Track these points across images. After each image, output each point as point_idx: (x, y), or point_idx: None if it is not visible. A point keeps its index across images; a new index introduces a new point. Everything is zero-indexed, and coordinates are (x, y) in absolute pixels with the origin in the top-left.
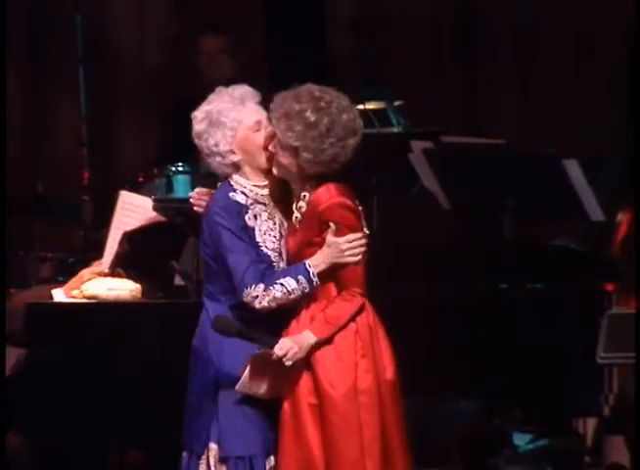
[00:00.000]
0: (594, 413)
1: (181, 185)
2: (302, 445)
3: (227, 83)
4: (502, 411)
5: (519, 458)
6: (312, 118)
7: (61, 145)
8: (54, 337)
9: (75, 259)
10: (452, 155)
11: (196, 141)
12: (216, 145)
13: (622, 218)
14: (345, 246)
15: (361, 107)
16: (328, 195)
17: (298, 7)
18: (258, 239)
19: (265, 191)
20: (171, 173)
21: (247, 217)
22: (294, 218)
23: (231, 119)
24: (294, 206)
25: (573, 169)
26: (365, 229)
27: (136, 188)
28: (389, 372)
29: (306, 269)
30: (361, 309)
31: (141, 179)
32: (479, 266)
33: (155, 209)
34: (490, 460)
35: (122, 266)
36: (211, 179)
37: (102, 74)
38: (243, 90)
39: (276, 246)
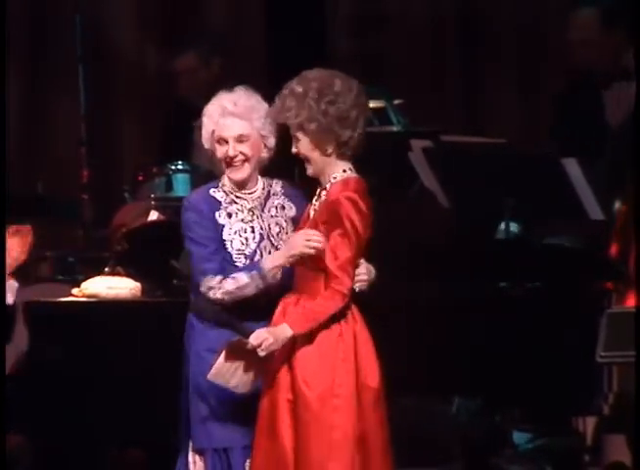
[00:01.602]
0: (594, 412)
1: (181, 184)
2: (275, 439)
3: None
4: (502, 410)
5: (518, 457)
6: (299, 89)
7: (60, 144)
8: (53, 335)
9: (75, 258)
10: (452, 154)
11: None
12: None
13: (619, 211)
14: (303, 238)
15: None
16: (343, 188)
17: (299, 6)
18: (225, 237)
19: (250, 196)
20: (171, 172)
21: (217, 214)
22: (312, 211)
23: (206, 123)
24: (314, 199)
25: (572, 168)
26: (366, 232)
27: (136, 187)
28: (373, 380)
29: (260, 266)
30: (345, 313)
31: (140, 178)
32: (477, 266)
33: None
34: (490, 460)
35: (122, 265)
36: (211, 178)
37: (101, 74)
38: (240, 106)
39: (243, 248)
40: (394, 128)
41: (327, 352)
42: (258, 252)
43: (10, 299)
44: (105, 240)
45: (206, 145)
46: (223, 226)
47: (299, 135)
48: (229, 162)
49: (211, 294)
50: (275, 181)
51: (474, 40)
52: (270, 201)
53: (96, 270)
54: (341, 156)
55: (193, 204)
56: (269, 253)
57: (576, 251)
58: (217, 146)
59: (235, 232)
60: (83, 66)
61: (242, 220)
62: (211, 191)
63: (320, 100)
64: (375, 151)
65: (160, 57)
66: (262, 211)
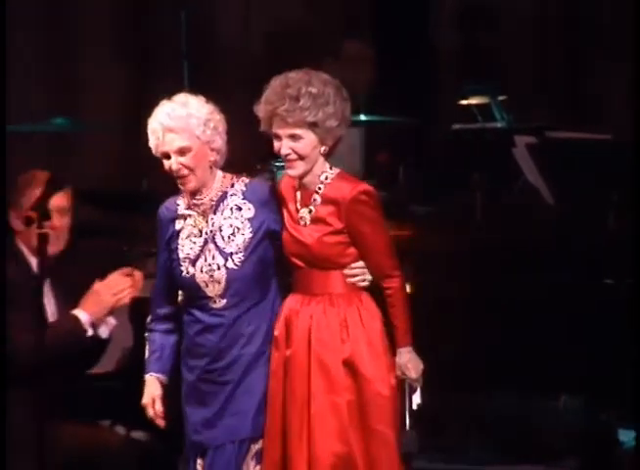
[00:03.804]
0: None
1: None
2: (345, 444)
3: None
4: (608, 408)
5: (624, 455)
6: (314, 89)
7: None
8: None
9: None
10: (556, 150)
11: None
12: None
13: None
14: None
15: (465, 102)
16: (352, 183)
17: (405, 1)
18: (180, 241)
19: (203, 201)
20: (275, 169)
21: (177, 220)
22: (303, 215)
23: (150, 138)
24: (297, 204)
25: None
26: None
27: None
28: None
29: (151, 371)
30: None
31: (244, 175)
32: (582, 262)
33: None
34: (597, 457)
35: None
36: None
37: (206, 70)
38: (175, 119)
39: (190, 253)
40: (498, 124)
41: (376, 342)
42: (202, 256)
43: (105, 333)
44: None
45: (156, 155)
46: (180, 231)
47: (303, 133)
48: (175, 175)
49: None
50: (240, 180)
51: (579, 36)
52: (225, 202)
53: None
54: (327, 155)
55: (158, 211)
56: (213, 257)
57: None
58: (163, 160)
59: (187, 237)
60: (188, 61)
61: (192, 225)
62: (179, 197)
63: (337, 100)
64: (478, 147)
65: (266, 53)
66: (214, 213)
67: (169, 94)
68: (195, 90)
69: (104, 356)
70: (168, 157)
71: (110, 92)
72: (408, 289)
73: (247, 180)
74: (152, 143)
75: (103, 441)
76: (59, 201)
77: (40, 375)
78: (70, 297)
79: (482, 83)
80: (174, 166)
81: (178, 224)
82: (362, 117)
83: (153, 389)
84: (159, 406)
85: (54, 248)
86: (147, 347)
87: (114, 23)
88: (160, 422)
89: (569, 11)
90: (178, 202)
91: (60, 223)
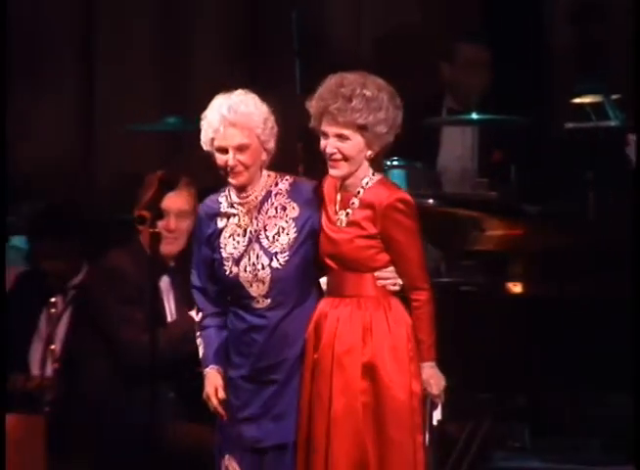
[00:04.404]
0: None
1: (397, 179)
2: (357, 445)
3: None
4: None
5: None
6: (369, 92)
7: (278, 139)
8: None
9: None
10: None
11: None
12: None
13: None
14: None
15: (578, 100)
16: (391, 190)
17: None
18: (222, 240)
19: (248, 200)
20: (386, 168)
21: (218, 218)
22: (340, 217)
23: (206, 129)
24: (336, 206)
25: None
26: None
27: None
28: None
29: (210, 364)
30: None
31: None
32: None
33: None
34: None
35: None
36: (429, 174)
37: (318, 69)
38: (240, 114)
39: (233, 251)
40: (612, 123)
41: (401, 347)
42: (246, 255)
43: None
44: None
45: (205, 148)
46: (222, 229)
47: (351, 135)
48: (229, 170)
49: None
50: (285, 178)
51: None
52: (270, 201)
53: None
54: (373, 160)
55: (199, 209)
56: (257, 257)
57: None
58: (217, 154)
59: (230, 235)
60: (300, 60)
61: (236, 224)
62: (220, 194)
63: (390, 107)
64: (592, 146)
65: (378, 55)
66: (259, 212)
67: (282, 94)
68: (306, 90)
69: None
70: (224, 151)
71: (221, 91)
72: (518, 289)
73: (291, 179)
74: (207, 136)
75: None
76: (179, 203)
77: (155, 374)
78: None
79: (596, 82)
80: (231, 162)
81: (220, 222)
82: (474, 116)
83: (215, 380)
84: (221, 395)
85: (172, 248)
86: (201, 343)
87: (226, 24)
88: (222, 412)
89: None
90: (220, 199)
91: (178, 225)
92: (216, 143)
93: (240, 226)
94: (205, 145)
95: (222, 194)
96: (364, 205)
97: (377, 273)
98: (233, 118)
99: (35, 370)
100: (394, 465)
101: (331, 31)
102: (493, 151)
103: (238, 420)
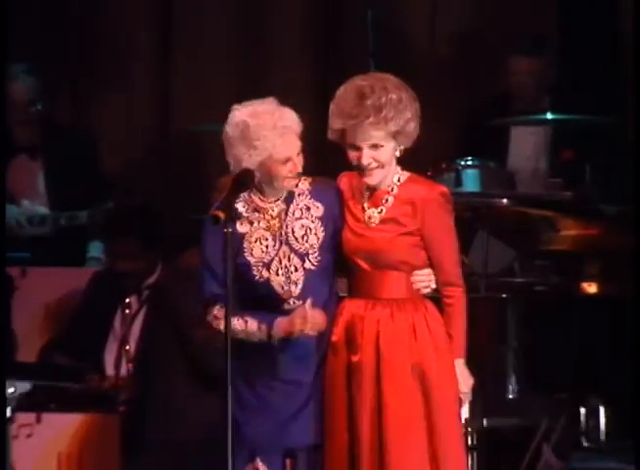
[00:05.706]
0: None
1: (470, 180)
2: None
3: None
4: None
5: None
6: (394, 96)
7: None
8: None
9: None
10: None
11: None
12: (238, 159)
13: None
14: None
15: None
16: (429, 185)
17: None
18: (245, 245)
19: (274, 204)
20: (460, 168)
21: (239, 223)
22: (371, 214)
23: (262, 148)
24: (364, 204)
25: None
26: None
27: None
28: None
29: (273, 325)
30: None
31: (429, 173)
32: None
33: None
34: None
35: None
36: (501, 174)
37: (392, 69)
38: (288, 120)
39: (263, 256)
40: None
41: (443, 347)
42: (277, 259)
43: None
44: None
45: (248, 164)
46: (244, 234)
47: (386, 142)
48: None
49: (215, 324)
50: (303, 178)
51: None
52: (294, 202)
53: None
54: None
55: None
56: (289, 259)
57: None
58: (281, 166)
59: (256, 240)
60: (375, 60)
61: (264, 228)
62: (237, 201)
63: (410, 102)
64: None
65: (451, 54)
66: (285, 214)
67: None
68: None
69: None
70: (287, 160)
71: (295, 91)
72: (593, 289)
73: (309, 179)
74: (262, 153)
75: None
76: None
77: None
78: None
79: None
80: (293, 170)
81: (242, 228)
82: (549, 116)
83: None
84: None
85: None
86: (244, 323)
87: (302, 24)
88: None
89: None
90: (237, 206)
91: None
92: (277, 156)
93: (268, 230)
94: (249, 161)
95: (238, 201)
96: (401, 201)
97: (414, 275)
98: (288, 125)
99: (110, 370)
100: (448, 463)
101: (405, 32)
102: (562, 150)
103: (266, 421)
